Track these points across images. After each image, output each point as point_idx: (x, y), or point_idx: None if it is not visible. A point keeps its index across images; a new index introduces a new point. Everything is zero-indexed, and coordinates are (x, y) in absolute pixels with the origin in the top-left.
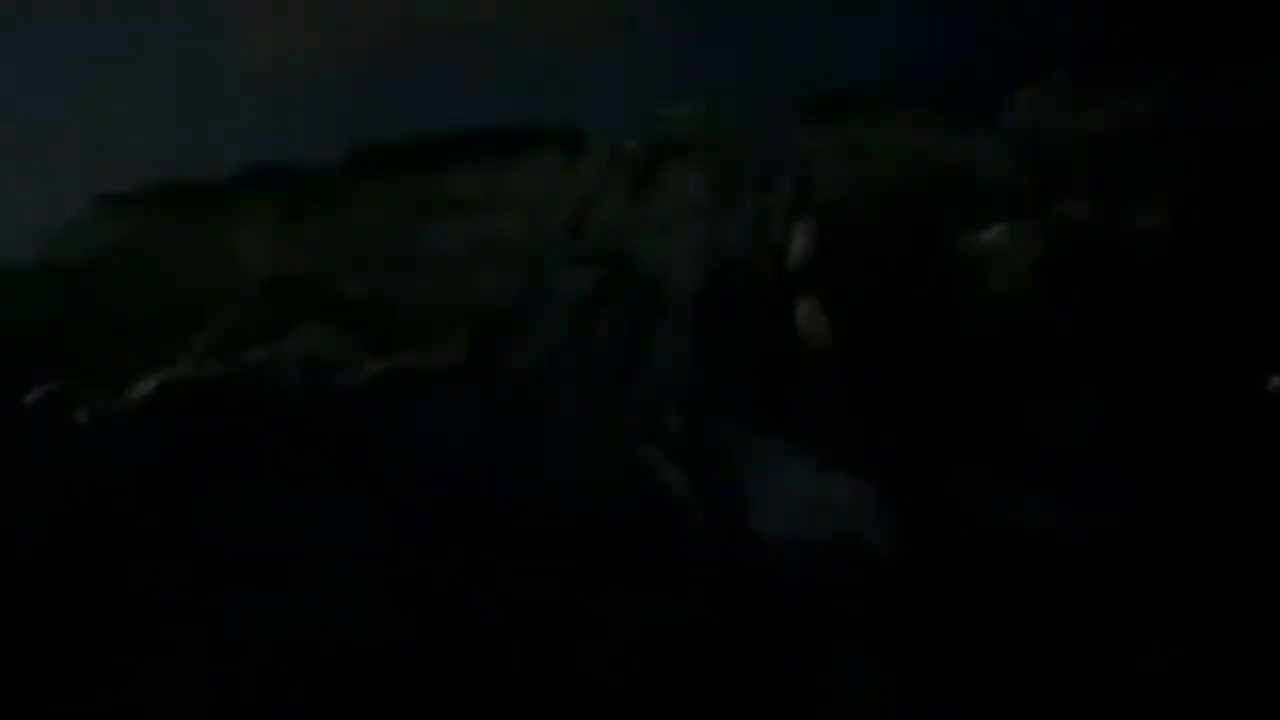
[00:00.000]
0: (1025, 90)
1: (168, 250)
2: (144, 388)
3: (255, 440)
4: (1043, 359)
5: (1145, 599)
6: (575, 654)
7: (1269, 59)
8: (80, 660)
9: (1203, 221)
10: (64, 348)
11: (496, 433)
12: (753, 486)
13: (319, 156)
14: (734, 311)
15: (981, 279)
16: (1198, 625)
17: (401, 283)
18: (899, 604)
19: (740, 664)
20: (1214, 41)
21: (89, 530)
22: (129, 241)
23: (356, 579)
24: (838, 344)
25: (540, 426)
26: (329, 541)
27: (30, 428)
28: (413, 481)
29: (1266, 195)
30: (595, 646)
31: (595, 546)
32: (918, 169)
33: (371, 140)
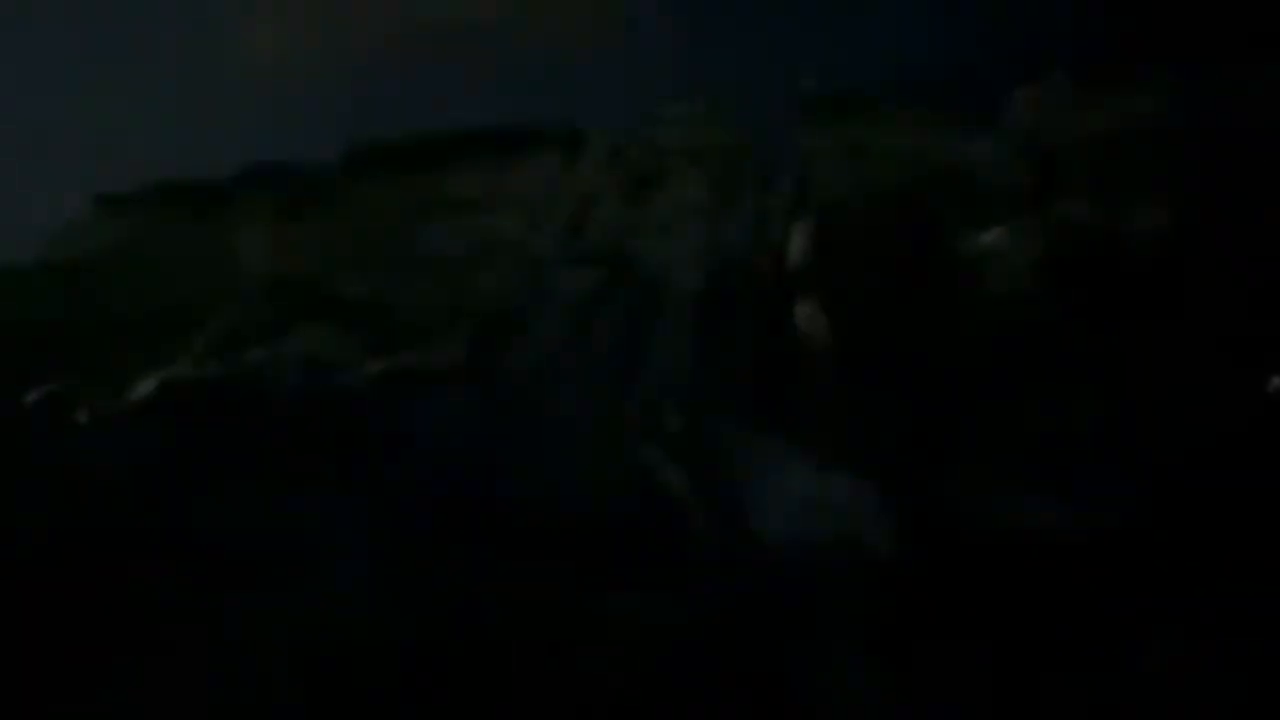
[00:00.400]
0: (1025, 90)
1: (168, 250)
2: (144, 388)
3: (255, 440)
4: (1043, 359)
5: (1145, 599)
6: (575, 654)
7: (1269, 59)
8: (80, 660)
9: (1203, 221)
10: (64, 348)
11: (496, 433)
12: (753, 486)
13: (319, 156)
14: (734, 311)
15: (981, 279)
16: (1198, 625)
17: (401, 283)
18: (899, 604)
19: (740, 664)
20: (1214, 41)
21: (89, 530)
22: (129, 241)
23: (356, 579)
24: (838, 344)
25: (540, 426)
26: (329, 541)
27: (30, 428)
28: (413, 481)
29: (1266, 195)
30: (595, 646)
31: (595, 546)
32: (918, 169)
33: (371, 140)
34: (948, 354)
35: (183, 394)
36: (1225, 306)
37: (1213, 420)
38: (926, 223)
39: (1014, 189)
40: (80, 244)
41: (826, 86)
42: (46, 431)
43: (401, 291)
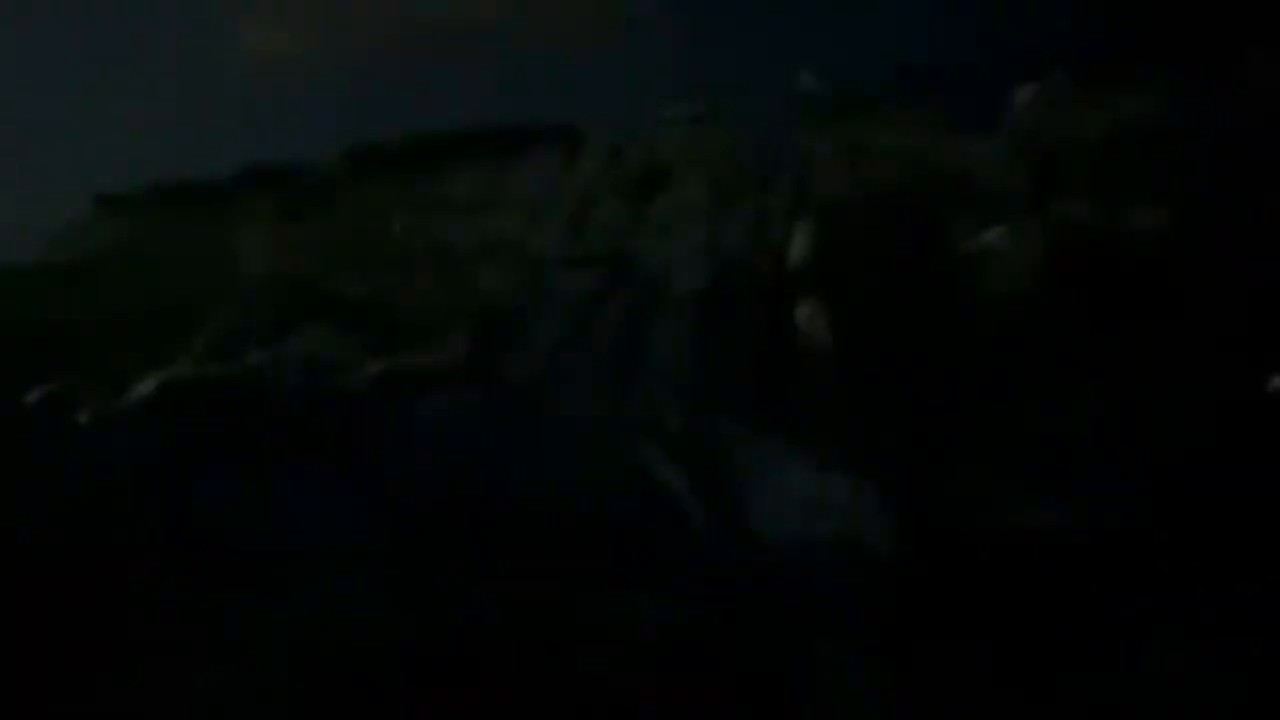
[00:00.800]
0: (1025, 90)
1: (168, 250)
2: (144, 388)
3: (255, 440)
4: (1043, 359)
5: (1145, 599)
6: (575, 654)
7: (1269, 59)
8: (80, 660)
9: (1203, 221)
10: (64, 348)
11: (496, 433)
12: (753, 486)
13: (319, 156)
14: (734, 311)
15: (981, 279)
16: (1198, 625)
17: (401, 283)
18: (899, 604)
19: (740, 664)
20: (1214, 41)
21: (89, 530)
22: (129, 241)
23: (356, 579)
24: (838, 344)
25: (540, 426)
26: (329, 541)
27: (30, 428)
28: (413, 481)
29: (1266, 195)
30: (595, 646)
31: (595, 546)
32: (918, 169)
33: (371, 140)
34: (948, 354)
35: (183, 394)
36: (1225, 306)
37: (1213, 420)
38: (926, 223)
39: (1014, 189)
40: (80, 244)
41: (826, 86)
42: (46, 431)
43: (401, 291)
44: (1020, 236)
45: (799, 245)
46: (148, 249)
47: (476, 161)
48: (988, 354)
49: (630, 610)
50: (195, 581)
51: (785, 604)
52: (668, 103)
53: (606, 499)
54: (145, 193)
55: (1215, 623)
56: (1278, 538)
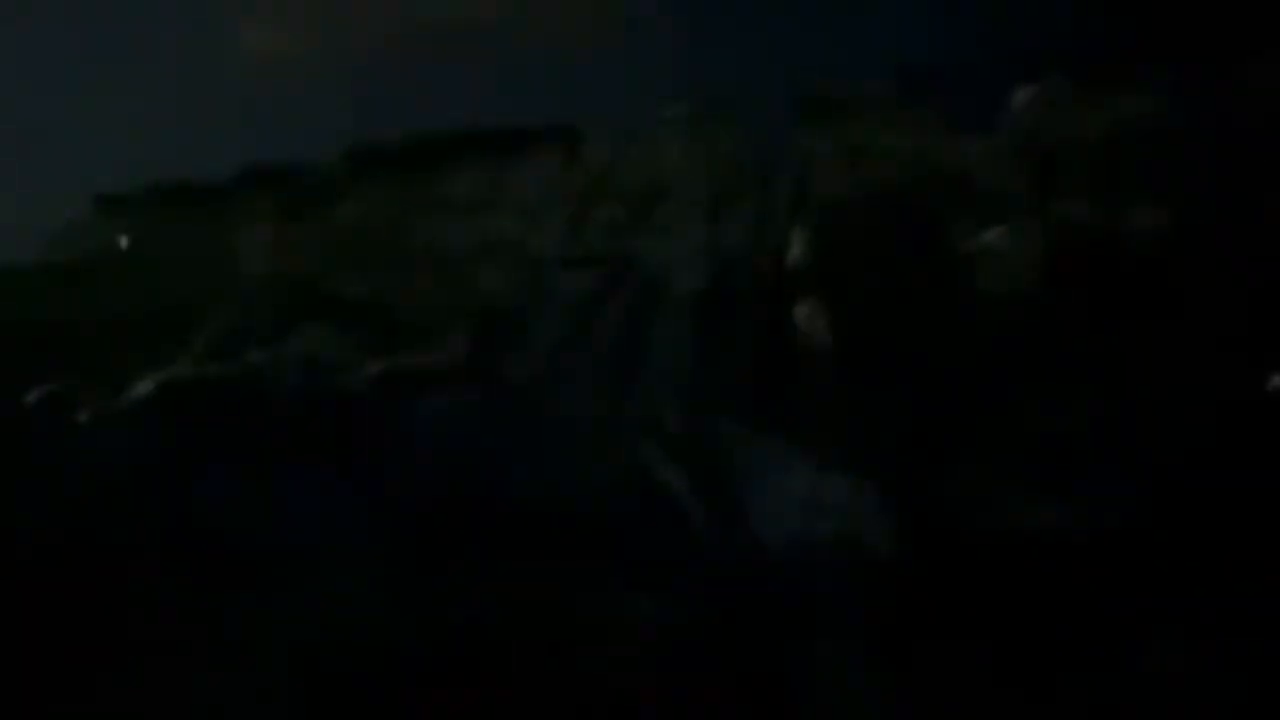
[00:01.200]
0: (1025, 90)
1: (168, 250)
2: (144, 388)
3: (255, 440)
4: (1043, 359)
5: (1145, 599)
6: (575, 654)
7: (1269, 59)
8: (80, 660)
9: (1203, 221)
10: (64, 348)
11: (496, 433)
12: (753, 486)
13: (319, 156)
14: (734, 311)
15: (981, 279)
16: (1198, 625)
17: (401, 283)
18: (899, 604)
19: (740, 664)
20: (1214, 41)
21: (89, 530)
22: (129, 241)
23: (356, 579)
24: (838, 344)
25: (540, 426)
26: (329, 541)
27: (30, 428)
28: (413, 481)
29: (1266, 195)
30: (595, 646)
31: (595, 546)
32: (918, 169)
33: (371, 140)
34: (948, 354)
35: (183, 394)
36: (1225, 306)
37: (1213, 420)
38: (926, 223)
39: (1014, 189)
40: (80, 244)
41: (826, 86)
42: (46, 431)
43: (401, 291)
44: (1020, 236)
45: (799, 245)
46: (148, 249)
47: (476, 161)
48: (988, 354)
49: (630, 610)
50: (195, 581)
51: (785, 604)
52: (668, 103)
53: (606, 499)
54: (145, 193)
55: (1215, 623)
56: (1278, 538)
